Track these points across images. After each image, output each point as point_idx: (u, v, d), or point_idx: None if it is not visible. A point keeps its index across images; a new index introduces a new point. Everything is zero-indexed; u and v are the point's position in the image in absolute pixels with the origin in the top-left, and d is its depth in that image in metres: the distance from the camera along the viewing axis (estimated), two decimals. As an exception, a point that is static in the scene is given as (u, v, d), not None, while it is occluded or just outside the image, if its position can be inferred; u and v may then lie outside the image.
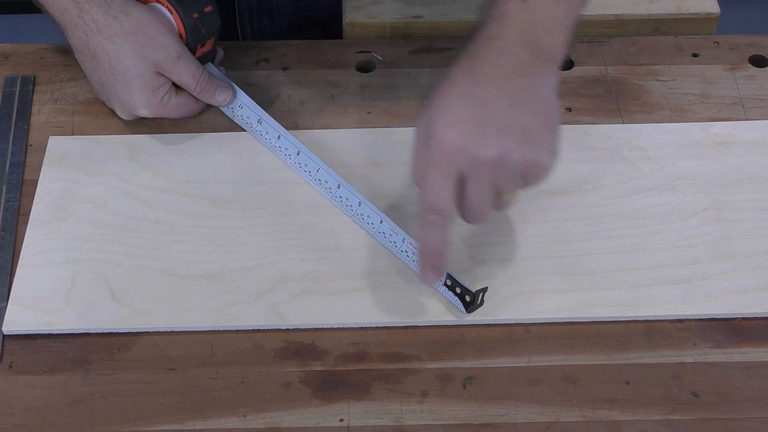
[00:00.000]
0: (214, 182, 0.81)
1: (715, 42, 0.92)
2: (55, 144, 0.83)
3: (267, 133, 0.83)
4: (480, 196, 0.67)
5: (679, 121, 0.86)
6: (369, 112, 0.87)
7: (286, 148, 0.81)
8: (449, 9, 0.95)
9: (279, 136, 0.82)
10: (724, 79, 0.89)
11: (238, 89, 0.84)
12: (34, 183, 0.81)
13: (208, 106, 0.85)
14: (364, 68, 0.91)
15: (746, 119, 0.86)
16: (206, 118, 0.86)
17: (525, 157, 0.66)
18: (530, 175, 0.67)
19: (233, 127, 0.85)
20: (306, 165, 0.80)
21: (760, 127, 0.85)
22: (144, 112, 0.82)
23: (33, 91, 0.88)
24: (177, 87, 0.82)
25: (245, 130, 0.84)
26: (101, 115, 0.86)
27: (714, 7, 0.95)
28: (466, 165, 0.65)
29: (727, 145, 0.83)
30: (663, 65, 0.90)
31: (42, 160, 0.82)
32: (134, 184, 0.80)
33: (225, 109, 0.85)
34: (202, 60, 0.83)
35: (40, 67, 0.90)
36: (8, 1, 2.00)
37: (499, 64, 0.66)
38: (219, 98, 0.83)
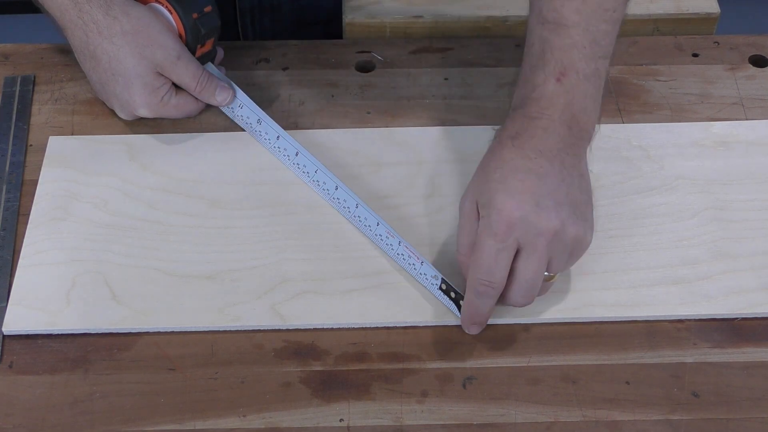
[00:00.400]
0: (214, 182, 0.81)
1: (715, 42, 0.92)
2: (55, 144, 0.83)
3: (266, 133, 0.83)
4: (534, 269, 0.67)
5: (679, 121, 0.86)
6: (369, 112, 0.87)
7: (285, 149, 0.81)
8: (449, 9, 0.95)
9: (278, 137, 0.82)
10: (724, 79, 0.89)
11: (237, 89, 0.84)
12: (34, 183, 0.81)
13: (208, 106, 0.85)
14: (364, 68, 0.91)
15: (746, 119, 0.86)
16: (206, 118, 0.86)
17: (576, 232, 0.68)
18: (575, 250, 0.69)
19: (233, 127, 0.85)
20: (304, 166, 0.80)
21: (760, 127, 0.85)
22: (144, 112, 0.82)
23: (33, 91, 0.88)
24: (177, 87, 0.82)
25: (245, 130, 0.84)
26: (101, 115, 0.86)
27: (714, 7, 0.96)
28: (525, 236, 0.67)
29: (727, 145, 0.83)
30: (663, 65, 0.90)
31: (42, 160, 0.82)
32: (134, 184, 0.80)
33: (225, 109, 0.85)
34: (202, 60, 0.83)
35: (40, 67, 0.90)
36: (8, 1, 2.00)
37: (546, 142, 0.69)
38: (219, 98, 0.83)
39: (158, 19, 0.80)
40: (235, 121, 0.85)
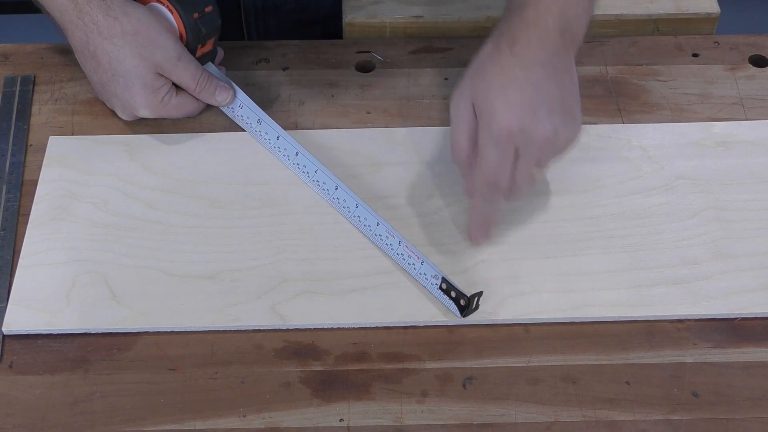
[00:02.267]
0: (214, 182, 0.81)
1: (715, 42, 0.92)
2: (55, 144, 0.83)
3: (266, 133, 0.83)
4: (526, 171, 0.72)
5: (679, 121, 0.86)
6: (369, 112, 0.87)
7: (284, 149, 0.81)
8: (449, 9, 0.95)
9: (278, 137, 0.82)
10: (724, 79, 0.89)
11: (238, 89, 0.84)
12: (34, 183, 0.81)
13: (209, 106, 0.85)
14: (364, 68, 0.91)
15: (746, 119, 0.86)
16: (206, 118, 0.86)
17: (567, 135, 0.72)
18: (564, 149, 0.73)
19: (233, 127, 0.85)
20: (304, 166, 0.80)
21: (760, 127, 0.85)
22: (144, 113, 0.82)
23: (33, 91, 0.88)
24: (177, 87, 0.82)
25: (245, 130, 0.84)
26: (101, 115, 0.86)
27: (714, 7, 0.95)
28: (522, 143, 0.71)
29: (727, 145, 0.83)
30: (663, 65, 0.90)
31: (42, 160, 0.82)
32: (134, 184, 0.80)
33: (225, 109, 0.85)
34: (203, 60, 0.83)
35: (40, 67, 0.90)
36: (8, 1, 2.00)
37: (542, 50, 0.72)
38: (219, 98, 0.83)
39: (158, 20, 0.80)
40: (235, 121, 0.85)
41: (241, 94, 0.84)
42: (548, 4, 0.72)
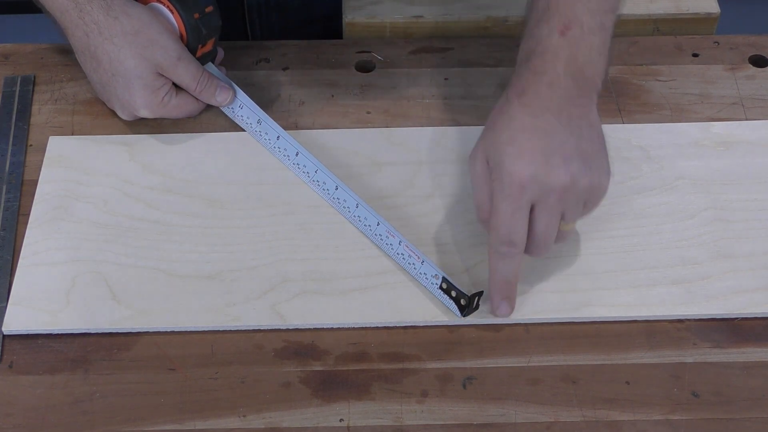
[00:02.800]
0: (214, 182, 0.81)
1: (715, 42, 0.92)
2: (55, 144, 0.83)
3: (266, 133, 0.83)
4: (548, 224, 0.69)
5: (679, 121, 0.86)
6: (369, 112, 0.87)
7: (285, 149, 0.81)
8: (449, 9, 0.95)
9: (278, 137, 0.82)
10: (724, 79, 0.89)
11: (238, 89, 0.84)
12: (34, 183, 0.81)
13: (209, 106, 0.85)
14: (364, 68, 0.91)
15: (746, 119, 0.86)
16: (206, 118, 0.86)
17: (590, 182, 0.69)
18: (591, 199, 0.70)
19: (233, 127, 0.85)
20: (304, 166, 0.80)
21: (760, 127, 0.85)
22: (144, 113, 0.82)
23: (33, 91, 0.88)
24: (177, 87, 0.82)
25: (245, 131, 0.84)
26: (101, 115, 0.86)
27: (714, 7, 0.95)
28: (537, 194, 0.68)
29: (727, 145, 0.83)
30: (663, 65, 0.90)
31: (42, 160, 0.82)
32: (134, 184, 0.80)
33: (225, 109, 0.85)
34: (203, 60, 0.83)
35: (40, 67, 0.90)
36: (8, 1, 2.00)
37: (552, 98, 0.69)
38: (219, 98, 0.83)
39: (159, 20, 0.80)
40: (235, 121, 0.85)
41: (241, 95, 0.84)
42: (555, 50, 0.70)
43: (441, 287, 0.73)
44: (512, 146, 0.68)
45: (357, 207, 0.77)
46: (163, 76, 0.80)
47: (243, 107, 0.84)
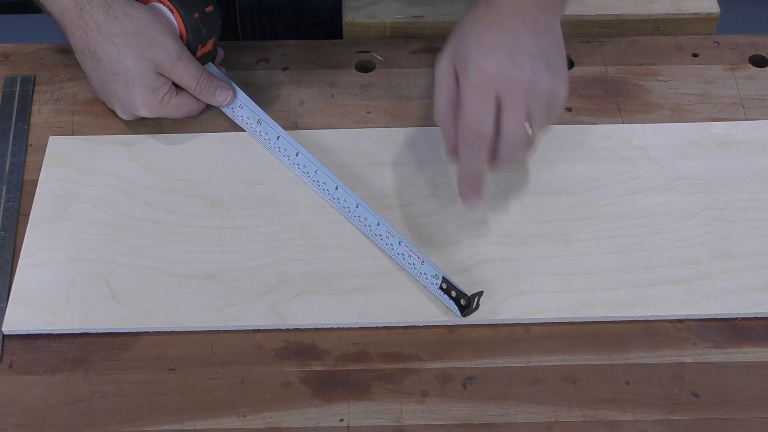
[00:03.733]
0: (214, 182, 0.81)
1: (715, 42, 0.92)
2: (55, 144, 0.83)
3: (266, 133, 0.83)
4: (516, 120, 0.70)
5: (679, 121, 0.86)
6: (369, 112, 0.87)
7: (285, 149, 0.81)
8: (449, 9, 0.95)
9: (278, 137, 0.82)
10: (724, 79, 0.89)
11: (238, 89, 0.84)
12: (34, 183, 0.81)
13: (209, 106, 0.85)
14: (364, 68, 0.91)
15: (746, 119, 0.86)
16: (206, 118, 0.86)
17: (551, 84, 0.70)
18: (553, 103, 0.72)
19: (233, 127, 0.85)
20: (304, 166, 0.80)
21: (760, 127, 0.85)
22: (144, 113, 0.82)
23: (33, 91, 0.88)
24: (177, 87, 0.82)
25: (245, 130, 0.84)
26: (101, 115, 0.86)
27: (714, 7, 0.95)
28: (503, 88, 0.69)
29: (727, 145, 0.83)
30: (663, 65, 0.90)
31: (42, 160, 0.82)
32: (134, 184, 0.80)
33: (225, 109, 0.85)
34: (203, 60, 0.83)
35: (40, 67, 0.90)
36: (8, 1, 2.00)
37: (518, 1, 0.71)
38: (219, 98, 0.83)
39: (159, 20, 0.80)
40: (235, 121, 0.85)
41: (241, 95, 0.84)
42: None
43: (441, 287, 0.73)
44: (478, 42, 0.70)
45: (357, 207, 0.77)
46: (163, 75, 0.80)
47: (243, 107, 0.84)
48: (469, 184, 0.73)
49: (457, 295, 0.72)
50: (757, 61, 0.91)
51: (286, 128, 0.83)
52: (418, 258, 0.74)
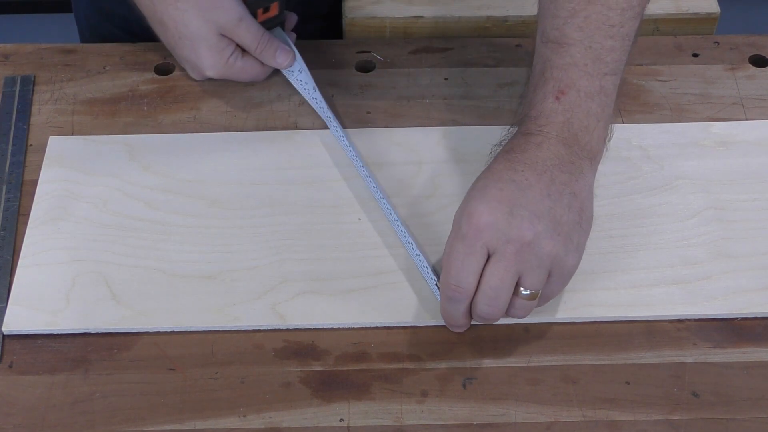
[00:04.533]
0: (214, 182, 0.81)
1: (715, 42, 0.92)
2: (55, 144, 0.83)
3: (320, 101, 0.85)
4: (501, 278, 0.65)
5: (679, 121, 0.86)
6: (369, 112, 0.87)
7: (333, 119, 0.83)
8: (449, 9, 0.95)
9: (328, 106, 0.84)
10: (724, 79, 0.89)
11: (298, 55, 0.86)
12: (34, 183, 0.81)
13: (275, 71, 0.86)
14: (364, 68, 0.91)
15: (746, 119, 0.86)
16: (206, 118, 0.86)
17: (553, 249, 0.66)
18: (556, 271, 0.67)
19: (233, 127, 0.85)
20: (344, 138, 0.82)
21: (760, 127, 0.85)
22: (212, 73, 0.83)
23: (33, 91, 0.88)
24: (243, 50, 0.84)
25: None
26: (101, 115, 0.86)
27: (714, 7, 0.96)
28: (494, 242, 0.65)
29: (727, 145, 0.83)
30: (663, 65, 0.90)
31: (42, 160, 0.82)
32: (134, 184, 0.80)
33: (285, 72, 0.86)
34: (267, 24, 0.84)
35: (40, 67, 0.90)
36: (8, 1, 2.00)
37: (538, 157, 0.68)
38: (279, 59, 0.84)
39: None
40: (294, 84, 0.86)
41: (301, 60, 0.86)
42: (549, 115, 0.69)
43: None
44: (481, 192, 0.67)
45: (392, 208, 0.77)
46: (226, 37, 0.82)
47: (302, 71, 0.86)
48: (449, 324, 0.70)
49: None
50: (757, 61, 0.91)
51: (285, 128, 0.83)
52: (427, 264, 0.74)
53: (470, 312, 0.68)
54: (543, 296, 0.68)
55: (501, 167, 0.68)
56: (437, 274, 0.73)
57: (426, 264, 0.74)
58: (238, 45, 0.83)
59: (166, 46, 0.85)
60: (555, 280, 0.68)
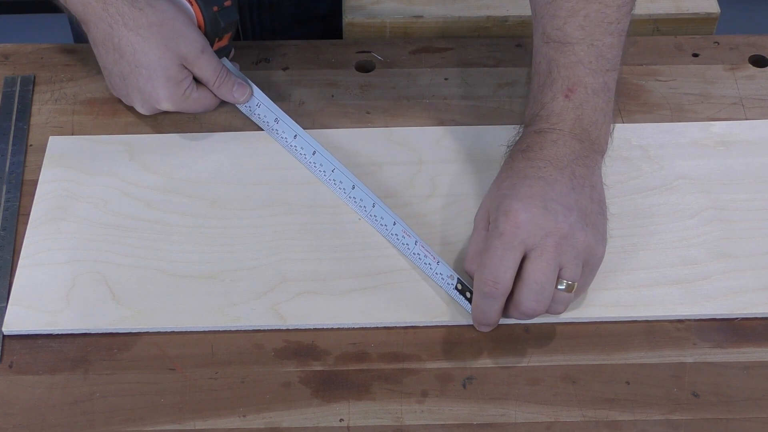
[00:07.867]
0: (214, 182, 0.81)
1: (715, 42, 0.92)
2: (55, 144, 0.83)
3: (283, 132, 0.83)
4: (544, 270, 0.66)
5: (679, 121, 0.86)
6: (369, 112, 0.87)
7: (301, 148, 0.82)
8: (449, 9, 0.95)
9: (295, 136, 0.82)
10: (724, 79, 0.89)
11: (255, 87, 0.84)
12: (34, 183, 0.81)
13: (224, 103, 0.85)
14: (364, 68, 0.91)
15: (746, 119, 0.86)
16: (206, 118, 0.86)
17: (586, 239, 0.67)
18: (589, 260, 0.68)
19: (233, 127, 0.85)
20: (321, 165, 0.80)
21: (760, 127, 0.85)
22: (166, 105, 0.82)
23: (33, 91, 0.88)
24: (197, 81, 0.83)
25: (263, 129, 0.84)
26: (101, 115, 0.86)
27: (714, 7, 0.96)
28: (533, 238, 0.66)
29: (727, 145, 0.83)
30: (663, 65, 0.90)
31: (42, 160, 0.82)
32: (134, 184, 0.80)
33: (242, 108, 0.85)
34: (219, 54, 0.83)
35: (40, 67, 0.90)
36: (8, 1, 2.00)
37: (556, 153, 0.70)
38: (236, 95, 0.83)
39: (182, 12, 0.80)
40: (252, 119, 0.85)
41: (258, 93, 0.84)
42: (560, 112, 0.71)
43: (456, 288, 0.73)
44: (512, 191, 0.68)
45: (374, 206, 0.77)
46: (185, 68, 0.80)
47: (260, 105, 0.84)
48: (480, 323, 0.71)
49: (471, 295, 0.72)
50: (757, 61, 0.91)
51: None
52: (434, 258, 0.74)
53: (502, 310, 0.69)
54: (578, 288, 0.69)
55: (522, 165, 0.70)
56: (460, 281, 0.73)
57: (430, 261, 0.74)
58: (194, 77, 0.82)
59: (113, 77, 0.82)
60: (588, 270, 0.70)
